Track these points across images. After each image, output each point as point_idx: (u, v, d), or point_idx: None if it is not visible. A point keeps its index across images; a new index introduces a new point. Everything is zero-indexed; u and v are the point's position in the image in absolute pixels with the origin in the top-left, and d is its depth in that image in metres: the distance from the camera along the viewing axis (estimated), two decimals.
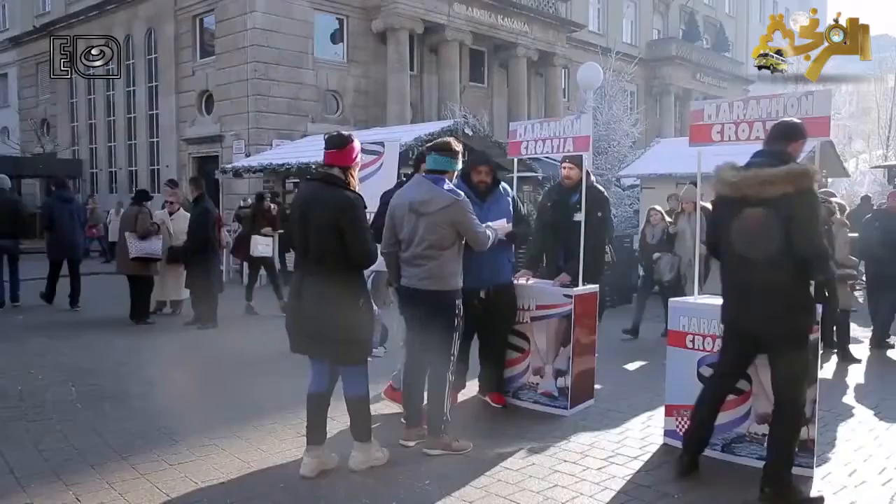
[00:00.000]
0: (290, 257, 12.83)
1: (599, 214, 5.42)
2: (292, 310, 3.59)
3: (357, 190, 3.58)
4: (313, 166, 12.89)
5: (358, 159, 3.62)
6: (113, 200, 19.63)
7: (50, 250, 9.42)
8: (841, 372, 6.22)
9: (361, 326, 3.54)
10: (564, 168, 5.49)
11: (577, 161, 5.33)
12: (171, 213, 8.75)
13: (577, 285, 4.81)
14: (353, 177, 3.56)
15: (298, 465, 3.64)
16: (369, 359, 3.69)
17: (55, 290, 9.41)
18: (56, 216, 9.26)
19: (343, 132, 3.74)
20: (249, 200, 16.40)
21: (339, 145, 3.55)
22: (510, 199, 4.78)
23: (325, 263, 3.46)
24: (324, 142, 3.63)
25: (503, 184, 4.86)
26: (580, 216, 5.13)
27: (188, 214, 9.00)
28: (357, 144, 3.62)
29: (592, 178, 5.62)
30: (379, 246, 3.96)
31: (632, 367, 6.23)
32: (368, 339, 3.65)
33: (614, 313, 9.10)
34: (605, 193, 5.74)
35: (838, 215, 6.55)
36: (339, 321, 3.43)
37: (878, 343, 7.04)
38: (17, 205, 9.68)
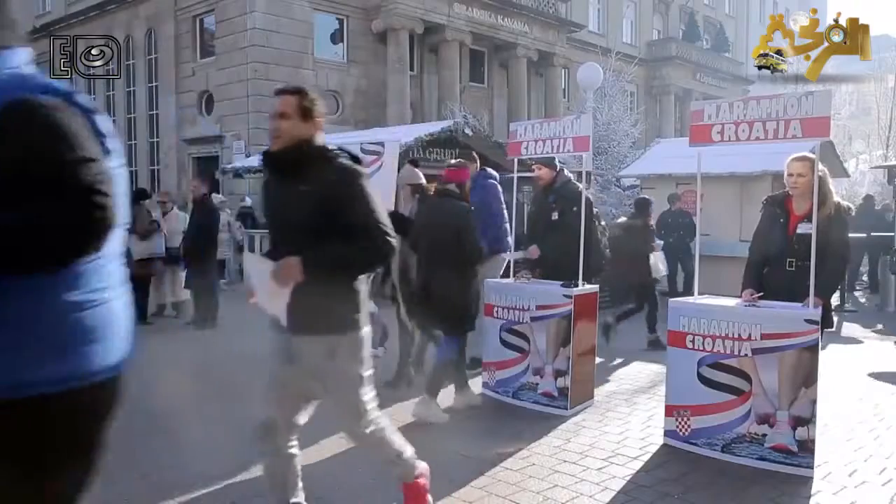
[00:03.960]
0: None
1: (574, 209, 5.26)
2: (422, 298, 4.66)
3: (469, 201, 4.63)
4: None
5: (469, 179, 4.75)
6: None
7: None
8: (841, 372, 6.21)
9: (467, 307, 4.58)
10: (534, 169, 5.60)
11: (545, 162, 5.46)
12: (164, 214, 8.78)
13: (577, 285, 4.81)
14: (466, 191, 4.67)
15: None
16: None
17: None
18: None
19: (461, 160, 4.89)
20: (248, 201, 16.43)
21: (456, 167, 4.74)
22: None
23: (446, 261, 4.45)
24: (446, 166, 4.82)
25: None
26: (556, 215, 5.34)
27: (184, 214, 9.05)
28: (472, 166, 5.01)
29: (567, 173, 5.59)
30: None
31: (632, 367, 6.23)
32: (473, 316, 4.67)
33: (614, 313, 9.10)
34: (580, 187, 5.47)
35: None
36: (453, 302, 4.47)
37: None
38: None
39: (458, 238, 4.45)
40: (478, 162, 6.19)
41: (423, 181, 5.59)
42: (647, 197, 7.71)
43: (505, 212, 5.98)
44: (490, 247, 5.67)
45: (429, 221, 4.63)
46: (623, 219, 7.71)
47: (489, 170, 6.25)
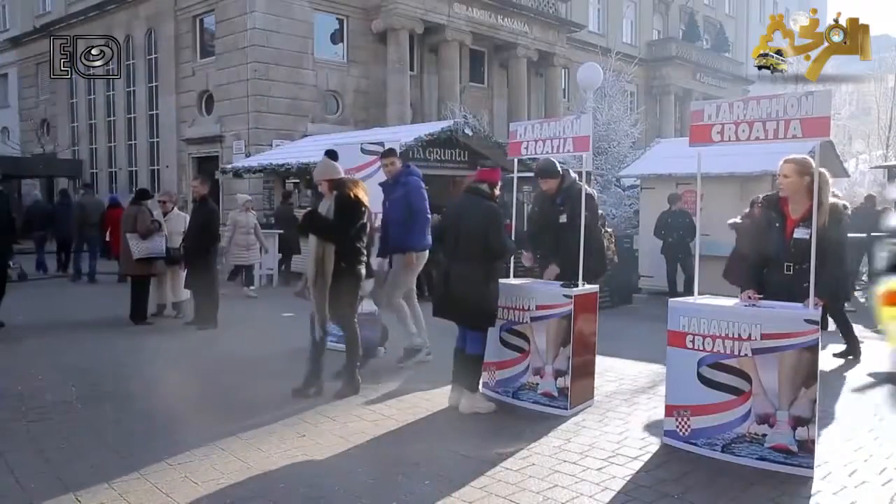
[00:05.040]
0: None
1: (586, 213, 5.17)
2: (442, 289, 4.81)
3: (497, 200, 4.83)
4: (312, 167, 12.95)
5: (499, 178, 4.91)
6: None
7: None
8: (841, 372, 6.22)
9: (489, 301, 4.67)
10: (540, 183, 5.47)
11: (548, 174, 5.33)
12: (164, 214, 8.78)
13: (576, 285, 4.81)
14: (496, 190, 4.82)
15: (298, 466, 3.67)
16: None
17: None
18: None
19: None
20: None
21: (490, 168, 4.97)
22: None
23: (471, 256, 4.63)
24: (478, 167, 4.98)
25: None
26: (564, 218, 5.21)
27: (184, 214, 9.04)
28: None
29: (574, 175, 5.54)
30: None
31: (632, 367, 6.22)
32: (494, 311, 4.73)
33: (614, 313, 9.11)
34: (588, 189, 5.43)
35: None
36: (474, 297, 4.60)
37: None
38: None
39: (485, 234, 4.60)
40: (397, 157, 6.26)
41: (343, 175, 5.23)
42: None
43: (426, 208, 6.00)
44: (407, 244, 5.89)
45: (459, 217, 4.76)
46: (738, 219, 7.80)
47: (412, 166, 6.31)
